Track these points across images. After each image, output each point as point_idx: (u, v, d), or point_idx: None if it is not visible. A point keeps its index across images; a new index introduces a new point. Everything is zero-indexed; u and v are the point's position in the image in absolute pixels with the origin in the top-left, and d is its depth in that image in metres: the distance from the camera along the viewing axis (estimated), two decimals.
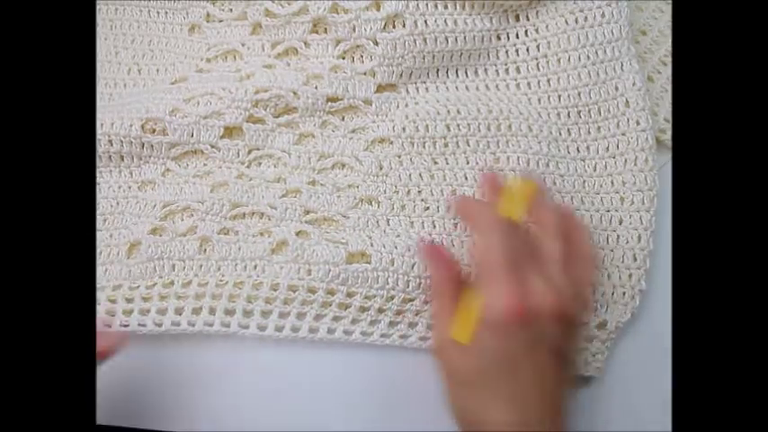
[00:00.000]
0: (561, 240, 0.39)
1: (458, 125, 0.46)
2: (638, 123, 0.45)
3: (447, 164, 0.46)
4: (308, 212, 0.46)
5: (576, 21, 0.45)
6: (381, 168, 0.46)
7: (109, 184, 0.47)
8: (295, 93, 0.45)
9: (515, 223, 0.39)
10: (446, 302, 0.40)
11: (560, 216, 0.40)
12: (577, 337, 0.39)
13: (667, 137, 0.47)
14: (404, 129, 0.46)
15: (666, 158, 0.47)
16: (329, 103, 0.46)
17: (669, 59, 0.50)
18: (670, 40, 0.50)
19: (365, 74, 0.47)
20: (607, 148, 0.46)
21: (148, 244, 0.44)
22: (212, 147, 0.46)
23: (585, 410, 0.43)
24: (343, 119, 0.47)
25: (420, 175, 0.46)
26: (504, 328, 0.35)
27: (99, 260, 0.45)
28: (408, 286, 0.44)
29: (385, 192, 0.46)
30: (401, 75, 0.47)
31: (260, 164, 0.47)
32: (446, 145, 0.46)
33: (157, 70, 0.50)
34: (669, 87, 0.49)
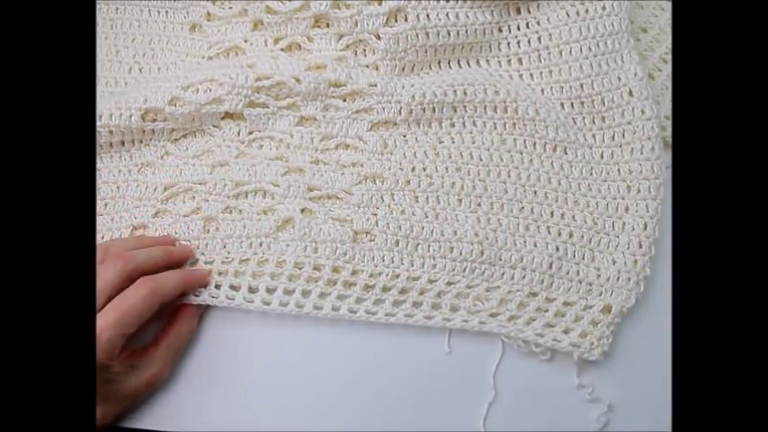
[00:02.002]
0: None
1: (464, 107, 0.46)
2: (643, 112, 0.44)
3: (453, 143, 0.46)
4: (311, 189, 0.45)
5: (578, 13, 0.45)
6: (386, 147, 0.46)
7: (109, 169, 0.46)
8: (297, 79, 0.45)
9: None
10: None
11: None
12: None
13: (668, 134, 0.47)
14: (411, 111, 0.46)
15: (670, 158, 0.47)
16: (332, 89, 0.46)
17: (669, 57, 0.50)
18: (670, 38, 0.50)
19: (368, 66, 0.47)
20: (613, 137, 0.45)
21: (155, 228, 0.44)
22: (213, 126, 0.46)
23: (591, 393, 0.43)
24: (345, 100, 0.46)
25: (425, 153, 0.46)
26: None
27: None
28: (413, 264, 0.43)
29: (390, 168, 0.45)
30: (404, 68, 0.47)
31: (261, 147, 0.47)
32: (452, 125, 0.46)
33: (158, 69, 0.50)
34: (670, 84, 0.49)
